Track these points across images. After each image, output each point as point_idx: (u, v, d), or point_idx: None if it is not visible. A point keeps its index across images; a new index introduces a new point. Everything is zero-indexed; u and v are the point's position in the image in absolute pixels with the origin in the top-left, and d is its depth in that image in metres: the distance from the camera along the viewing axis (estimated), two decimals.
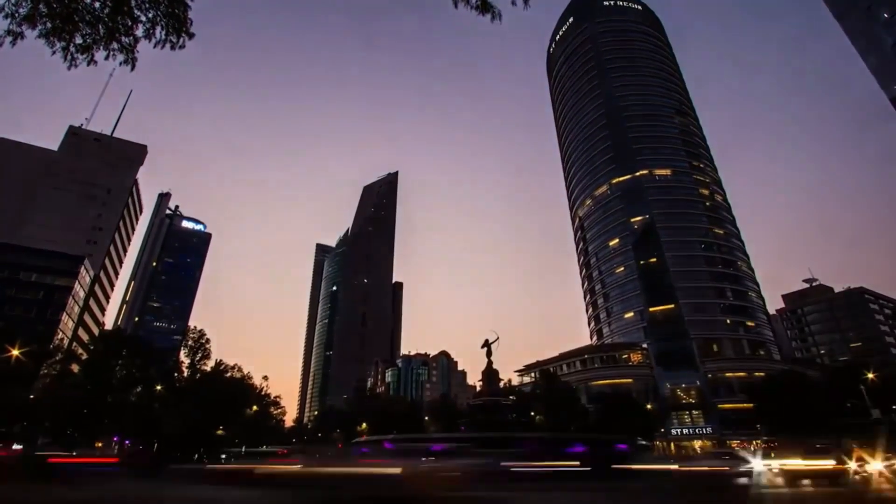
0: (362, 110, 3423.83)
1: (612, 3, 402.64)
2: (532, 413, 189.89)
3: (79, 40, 19.13)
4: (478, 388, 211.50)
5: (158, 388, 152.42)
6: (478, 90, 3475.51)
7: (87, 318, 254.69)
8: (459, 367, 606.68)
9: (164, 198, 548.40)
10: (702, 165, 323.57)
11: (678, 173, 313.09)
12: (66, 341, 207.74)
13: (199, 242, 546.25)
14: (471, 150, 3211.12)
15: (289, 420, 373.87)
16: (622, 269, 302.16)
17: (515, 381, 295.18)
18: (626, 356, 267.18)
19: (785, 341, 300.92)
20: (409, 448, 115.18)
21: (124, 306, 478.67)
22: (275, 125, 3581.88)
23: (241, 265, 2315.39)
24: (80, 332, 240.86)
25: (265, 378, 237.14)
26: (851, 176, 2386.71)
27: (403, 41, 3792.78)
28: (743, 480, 68.61)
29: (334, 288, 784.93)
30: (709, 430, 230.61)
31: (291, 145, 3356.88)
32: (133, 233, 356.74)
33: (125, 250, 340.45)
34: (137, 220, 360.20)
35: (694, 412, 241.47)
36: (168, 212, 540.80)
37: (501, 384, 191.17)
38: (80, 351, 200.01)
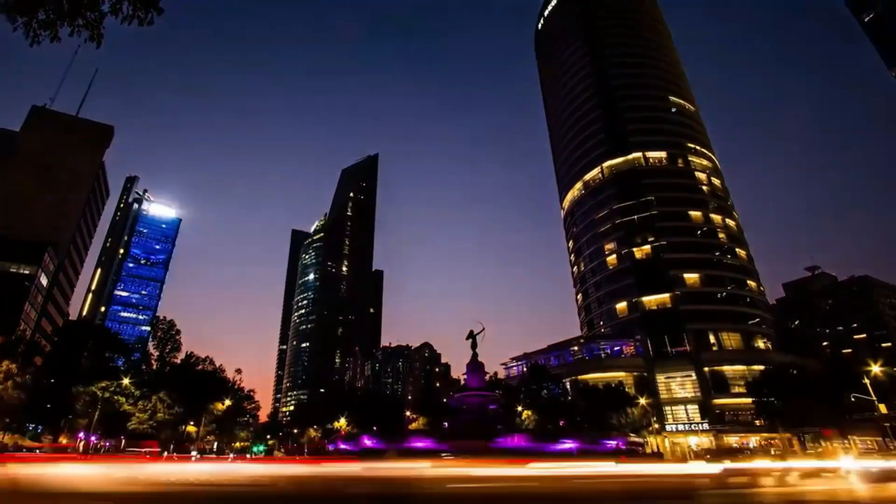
0: (343, 93, 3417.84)
1: None
2: (519, 408, 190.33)
3: (42, 16, 19.03)
4: (462, 382, 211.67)
5: (126, 381, 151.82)
6: (464, 74, 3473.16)
7: (50, 307, 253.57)
8: (443, 360, 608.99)
9: (131, 181, 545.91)
10: (699, 149, 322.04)
11: (674, 157, 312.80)
12: (28, 332, 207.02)
13: (169, 228, 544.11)
14: (457, 135, 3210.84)
15: (263, 415, 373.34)
16: (614, 256, 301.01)
17: (502, 374, 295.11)
18: (617, 348, 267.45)
19: (786, 332, 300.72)
20: (389, 445, 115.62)
21: (90, 295, 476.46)
22: (250, 108, 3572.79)
23: (214, 252, 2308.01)
24: (44, 322, 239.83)
25: (238, 371, 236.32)
26: (855, 161, 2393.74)
27: (388, 24, 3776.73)
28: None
29: (311, 276, 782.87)
30: (705, 425, 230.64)
31: (268, 127, 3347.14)
32: (99, 218, 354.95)
33: (91, 236, 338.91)
34: (104, 204, 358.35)
35: (689, 407, 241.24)
36: (136, 195, 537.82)
37: (487, 377, 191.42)
38: (44, 342, 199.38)
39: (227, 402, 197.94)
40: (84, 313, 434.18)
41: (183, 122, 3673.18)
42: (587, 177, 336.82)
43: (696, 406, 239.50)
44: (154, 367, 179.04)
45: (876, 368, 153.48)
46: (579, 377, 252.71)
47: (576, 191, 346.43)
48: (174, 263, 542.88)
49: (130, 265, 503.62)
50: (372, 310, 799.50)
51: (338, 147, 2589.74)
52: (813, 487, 57.04)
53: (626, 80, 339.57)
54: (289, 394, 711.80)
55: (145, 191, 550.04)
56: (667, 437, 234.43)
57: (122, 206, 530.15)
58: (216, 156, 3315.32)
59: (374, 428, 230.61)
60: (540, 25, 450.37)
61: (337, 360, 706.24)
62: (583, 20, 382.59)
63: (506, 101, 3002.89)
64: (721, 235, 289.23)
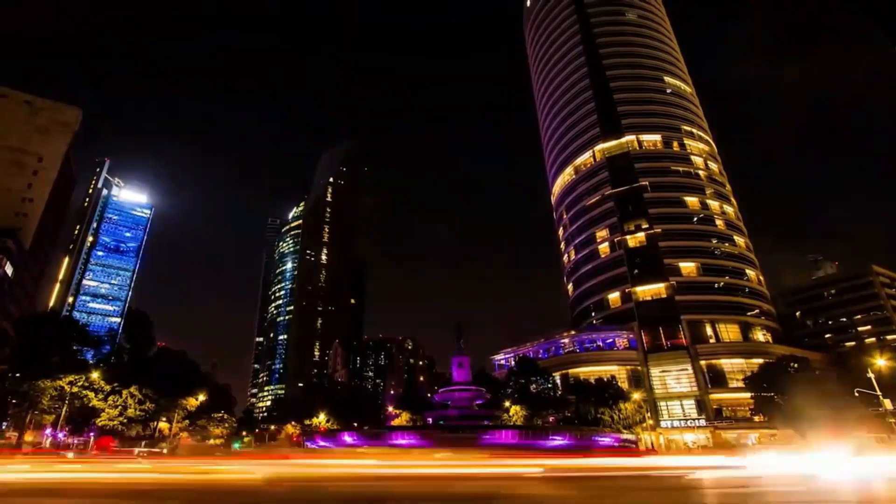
0: (324, 72, 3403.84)
1: None
2: (507, 403, 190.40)
3: None
4: (447, 376, 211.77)
5: (95, 375, 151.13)
6: (451, 55, 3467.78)
7: (17, 297, 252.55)
8: (427, 353, 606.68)
9: (100, 166, 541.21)
10: (695, 132, 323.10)
11: (669, 140, 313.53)
12: None
13: (141, 215, 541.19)
14: (443, 118, 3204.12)
15: (238, 411, 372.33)
16: (606, 245, 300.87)
17: (489, 367, 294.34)
18: (610, 341, 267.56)
19: (786, 324, 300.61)
20: (371, 442, 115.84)
21: (57, 285, 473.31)
22: (227, 91, 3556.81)
23: (188, 241, 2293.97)
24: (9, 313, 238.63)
25: (213, 365, 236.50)
26: (859, 145, 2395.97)
27: (368, 10, 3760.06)
28: None
29: (289, 265, 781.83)
30: (702, 421, 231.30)
31: (244, 110, 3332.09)
32: (67, 204, 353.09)
33: (58, 223, 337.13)
34: (72, 190, 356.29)
35: (685, 402, 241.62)
36: (106, 179, 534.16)
37: (474, 371, 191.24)
38: (12, 334, 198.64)
39: (202, 397, 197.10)
40: (52, 304, 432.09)
41: (155, 106, 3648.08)
42: (578, 161, 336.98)
43: (693, 401, 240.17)
44: (125, 360, 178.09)
45: (880, 362, 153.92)
46: (570, 371, 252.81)
47: (567, 176, 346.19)
48: (147, 252, 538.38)
49: (100, 253, 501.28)
50: (353, 301, 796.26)
51: (318, 129, 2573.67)
52: None
53: (618, 60, 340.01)
54: (265, 388, 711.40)
55: (116, 176, 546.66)
56: (662, 434, 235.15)
57: (90, 191, 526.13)
58: (190, 142, 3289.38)
59: (355, 424, 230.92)
60: (529, 1, 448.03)
61: (316, 354, 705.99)
62: None
63: (494, 82, 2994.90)
64: (719, 223, 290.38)
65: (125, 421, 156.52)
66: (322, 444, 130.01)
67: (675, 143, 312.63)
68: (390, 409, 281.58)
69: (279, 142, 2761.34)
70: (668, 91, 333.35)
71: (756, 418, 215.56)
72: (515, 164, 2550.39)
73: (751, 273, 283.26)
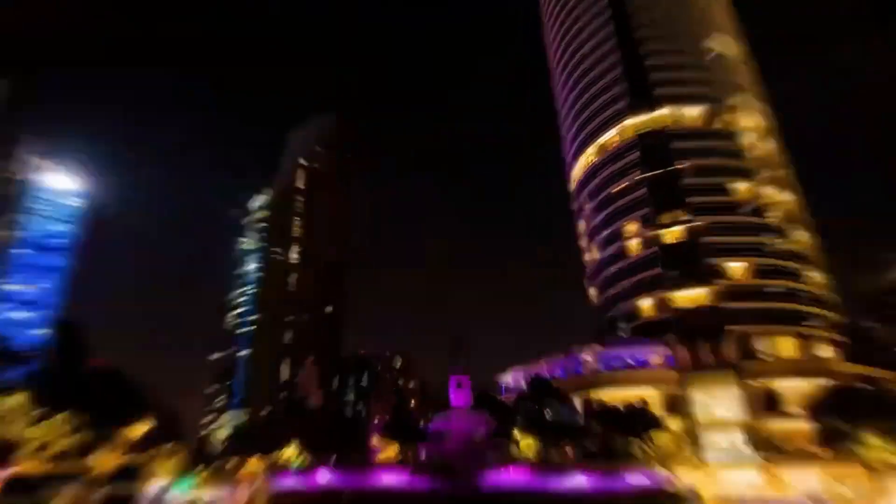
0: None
1: None
2: (516, 432, 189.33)
3: None
4: (444, 400, 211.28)
5: (14, 401, 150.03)
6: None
7: None
8: (420, 373, 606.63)
9: (22, 145, 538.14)
10: (746, 104, 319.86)
11: (713, 114, 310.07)
12: None
13: (74, 205, 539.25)
14: (442, 95, 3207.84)
15: (193, 441, 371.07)
16: (637, 241, 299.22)
17: (495, 388, 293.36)
18: (641, 357, 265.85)
19: (856, 337, 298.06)
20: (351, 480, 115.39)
21: None
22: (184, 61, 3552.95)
23: (134, 237, 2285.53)
24: None
25: (162, 386, 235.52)
26: None
27: None
28: None
29: (252, 266, 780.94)
30: (752, 456, 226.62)
31: (203, 85, 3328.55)
32: None
33: None
34: None
35: (733, 433, 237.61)
36: (33, 162, 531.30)
37: (476, 393, 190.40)
38: None
39: (147, 426, 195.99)
40: None
41: (97, 75, 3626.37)
42: (602, 140, 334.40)
43: (741, 431, 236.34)
44: (52, 381, 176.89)
45: None
46: (592, 393, 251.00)
47: (589, 157, 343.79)
48: (83, 248, 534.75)
49: (21, 252, 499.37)
50: (330, 309, 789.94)
51: (288, 104, 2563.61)
52: None
53: (652, 15, 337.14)
54: (224, 415, 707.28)
55: (42, 157, 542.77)
56: (703, 471, 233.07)
57: (9, 176, 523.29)
58: (137, 119, 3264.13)
59: (333, 457, 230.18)
60: None
61: (285, 373, 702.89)
62: None
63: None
64: (774, 214, 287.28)
65: (52, 456, 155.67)
66: (289, 482, 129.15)
67: (721, 118, 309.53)
68: (375, 439, 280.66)
69: (244, 117, 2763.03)
70: (713, 54, 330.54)
71: (820, 452, 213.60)
72: (517, 160, 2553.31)
73: (814, 275, 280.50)
